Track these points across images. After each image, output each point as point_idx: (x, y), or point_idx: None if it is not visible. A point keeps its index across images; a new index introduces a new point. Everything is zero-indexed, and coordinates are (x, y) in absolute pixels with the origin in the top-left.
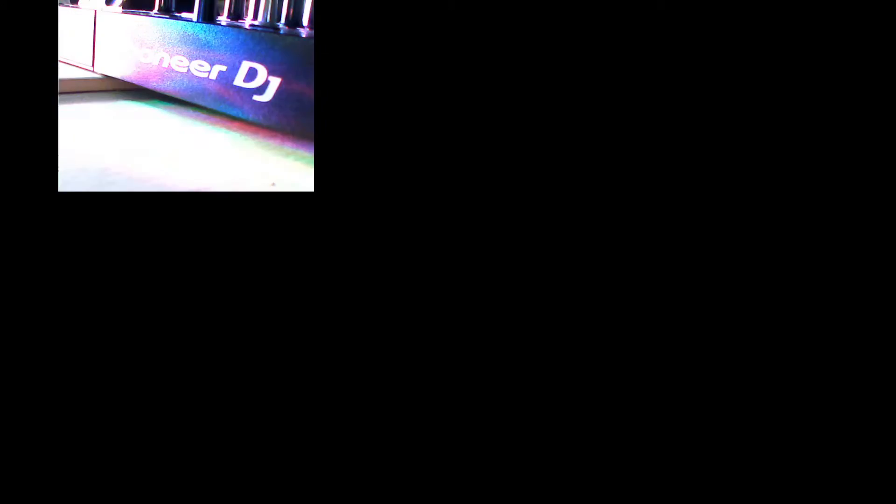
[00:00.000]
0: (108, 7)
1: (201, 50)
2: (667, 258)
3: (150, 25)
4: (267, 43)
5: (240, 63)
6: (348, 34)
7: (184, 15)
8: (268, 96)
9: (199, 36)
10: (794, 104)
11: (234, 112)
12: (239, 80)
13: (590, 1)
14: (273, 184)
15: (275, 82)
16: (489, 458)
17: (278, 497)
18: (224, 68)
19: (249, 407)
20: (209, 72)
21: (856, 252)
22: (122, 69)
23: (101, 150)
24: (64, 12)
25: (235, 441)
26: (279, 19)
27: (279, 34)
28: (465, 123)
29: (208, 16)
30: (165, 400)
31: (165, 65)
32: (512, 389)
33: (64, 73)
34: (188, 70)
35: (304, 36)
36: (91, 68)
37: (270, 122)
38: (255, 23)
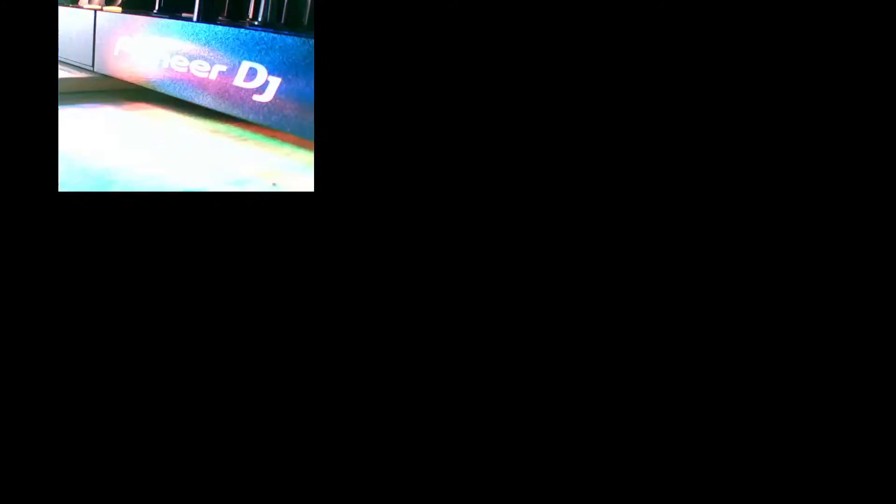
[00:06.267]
0: (108, 7)
1: (201, 50)
2: (667, 258)
3: (150, 25)
4: (267, 43)
5: (240, 63)
6: (348, 34)
7: (184, 15)
8: (268, 96)
9: (199, 36)
10: (795, 104)
11: (234, 112)
12: (239, 80)
13: (590, 1)
14: (273, 184)
15: (275, 82)
16: (489, 458)
17: (278, 497)
18: (224, 68)
19: (250, 407)
20: (209, 72)
21: (856, 252)
22: (121, 69)
23: (101, 151)
24: (64, 12)
25: (236, 441)
26: (279, 19)
27: (279, 34)
28: (466, 123)
29: (208, 16)
30: (166, 400)
31: (165, 65)
32: (511, 389)
33: (64, 73)
34: (188, 70)
35: (304, 36)
36: (91, 68)
37: (270, 122)
38: (256, 23)
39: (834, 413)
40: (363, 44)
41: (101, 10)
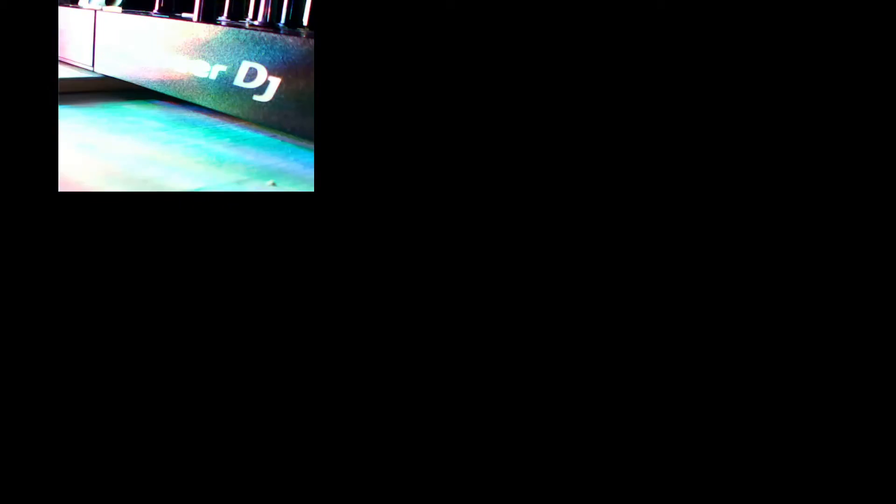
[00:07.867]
0: (108, 7)
1: (201, 50)
2: (667, 258)
3: (150, 25)
4: (267, 43)
5: (240, 63)
6: (348, 34)
7: (184, 15)
8: (268, 96)
9: (199, 36)
10: (794, 104)
11: (234, 112)
12: (239, 80)
13: (590, 1)
14: (273, 183)
15: (275, 82)
16: (489, 458)
17: (278, 497)
18: (224, 68)
19: (250, 407)
20: (209, 72)
21: (856, 252)
22: (122, 69)
23: (102, 151)
24: (64, 12)
25: (236, 441)
26: (279, 19)
27: (279, 34)
28: (465, 123)
29: (208, 16)
30: (166, 400)
31: (165, 65)
32: (511, 389)
33: (64, 73)
34: (188, 70)
35: (304, 36)
36: (91, 68)
37: (270, 122)
38: (255, 23)
39: (834, 413)
40: (363, 44)
41: (101, 10)
